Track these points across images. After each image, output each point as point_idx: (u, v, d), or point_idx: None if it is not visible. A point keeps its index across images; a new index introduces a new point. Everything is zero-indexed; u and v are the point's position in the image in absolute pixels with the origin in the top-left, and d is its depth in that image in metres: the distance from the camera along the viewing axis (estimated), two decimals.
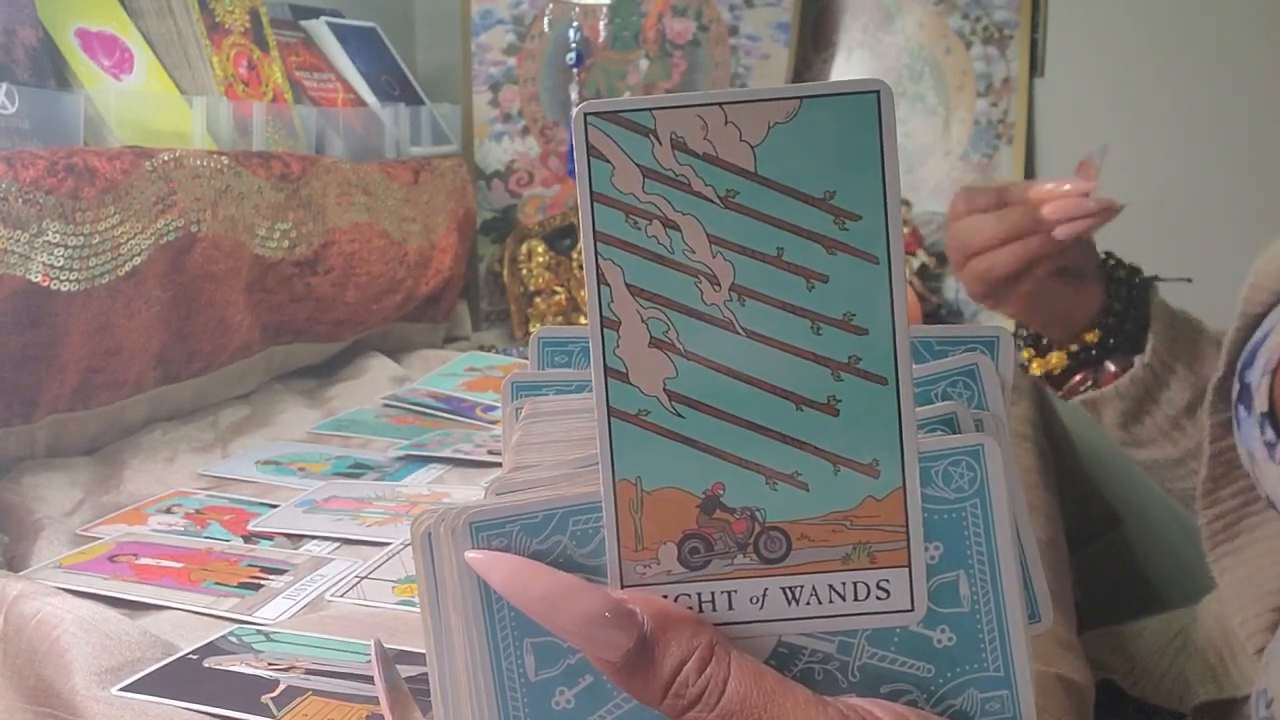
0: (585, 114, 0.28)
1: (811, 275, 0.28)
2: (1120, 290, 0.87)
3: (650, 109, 0.28)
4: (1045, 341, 0.90)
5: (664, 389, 0.29)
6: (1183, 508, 0.93)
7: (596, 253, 0.28)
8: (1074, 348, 0.87)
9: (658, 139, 0.28)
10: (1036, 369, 0.90)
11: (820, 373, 0.29)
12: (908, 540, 0.29)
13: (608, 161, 0.28)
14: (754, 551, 0.29)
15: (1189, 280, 0.88)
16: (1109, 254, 0.90)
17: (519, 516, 0.29)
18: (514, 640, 0.29)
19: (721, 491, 0.29)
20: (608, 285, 0.28)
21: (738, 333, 0.28)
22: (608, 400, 0.29)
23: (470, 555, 0.29)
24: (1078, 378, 0.88)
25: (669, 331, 0.28)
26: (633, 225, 0.28)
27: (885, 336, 0.28)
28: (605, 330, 0.28)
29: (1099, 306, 0.86)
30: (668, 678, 0.28)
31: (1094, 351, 0.87)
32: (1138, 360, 0.84)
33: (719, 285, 0.28)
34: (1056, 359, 0.88)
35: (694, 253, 0.28)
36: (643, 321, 0.28)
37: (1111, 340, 0.86)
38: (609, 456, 0.29)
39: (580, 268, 1.51)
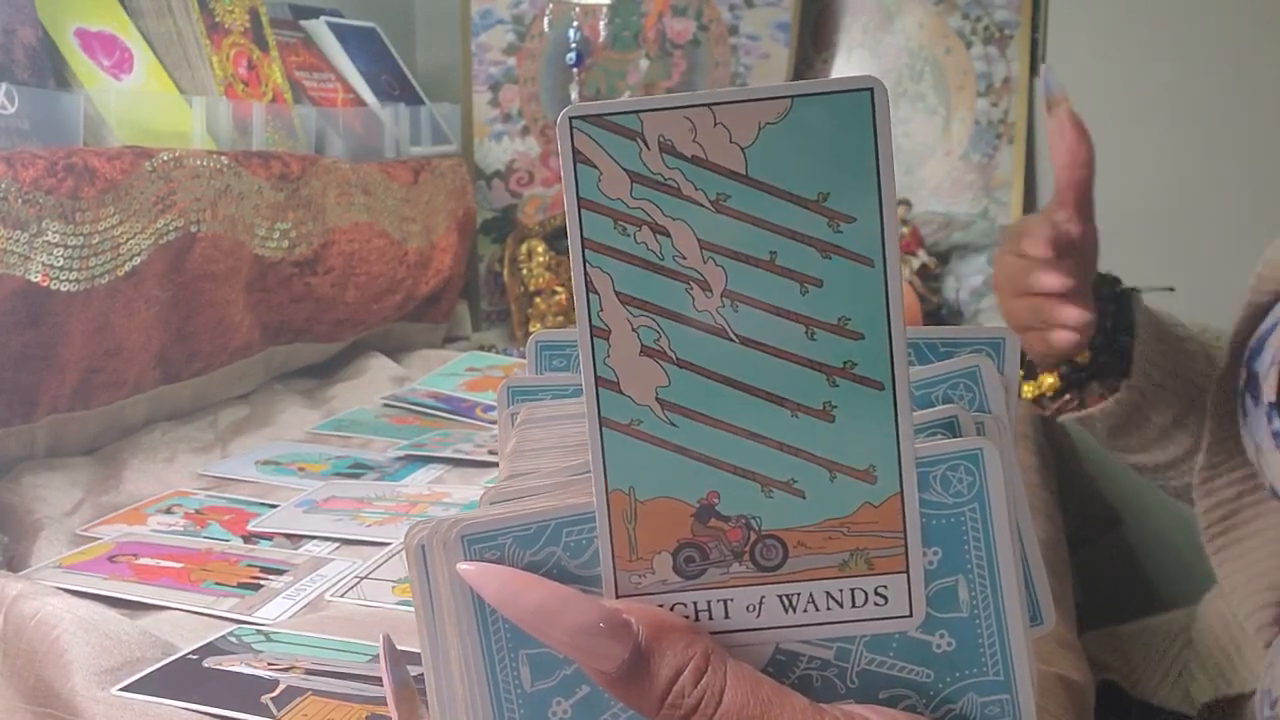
0: (570, 118, 0.27)
1: (805, 279, 0.28)
2: (1106, 306, 0.85)
3: (636, 111, 0.27)
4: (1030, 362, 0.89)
5: (656, 398, 0.28)
6: (1180, 504, 0.93)
7: (585, 260, 0.28)
8: (1063, 369, 0.86)
9: (645, 143, 0.27)
10: (1028, 392, 0.89)
11: (815, 378, 0.28)
12: (905, 546, 0.29)
13: (594, 167, 0.27)
14: (750, 559, 0.29)
15: (1171, 289, 0.88)
16: None
17: (512, 528, 0.29)
18: (509, 651, 0.29)
19: (716, 500, 0.29)
20: (596, 293, 0.28)
21: (730, 339, 0.28)
22: (599, 410, 0.28)
23: (463, 568, 0.29)
24: (1061, 401, 0.88)
25: (660, 339, 0.28)
26: (621, 232, 0.28)
27: (881, 341, 0.28)
28: (595, 339, 0.28)
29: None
30: (664, 688, 0.27)
31: (1083, 372, 0.86)
32: (1124, 385, 0.83)
33: (710, 291, 0.28)
34: (1050, 382, 0.87)
35: (684, 258, 0.28)
36: (633, 330, 0.28)
37: (1101, 359, 0.85)
38: (601, 467, 0.28)
39: None
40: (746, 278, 0.28)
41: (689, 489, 0.29)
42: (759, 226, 0.28)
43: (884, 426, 0.28)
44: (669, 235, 0.28)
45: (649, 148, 0.27)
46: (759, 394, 0.28)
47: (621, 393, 0.28)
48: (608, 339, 0.28)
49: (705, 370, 0.28)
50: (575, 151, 0.27)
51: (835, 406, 0.28)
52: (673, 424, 0.28)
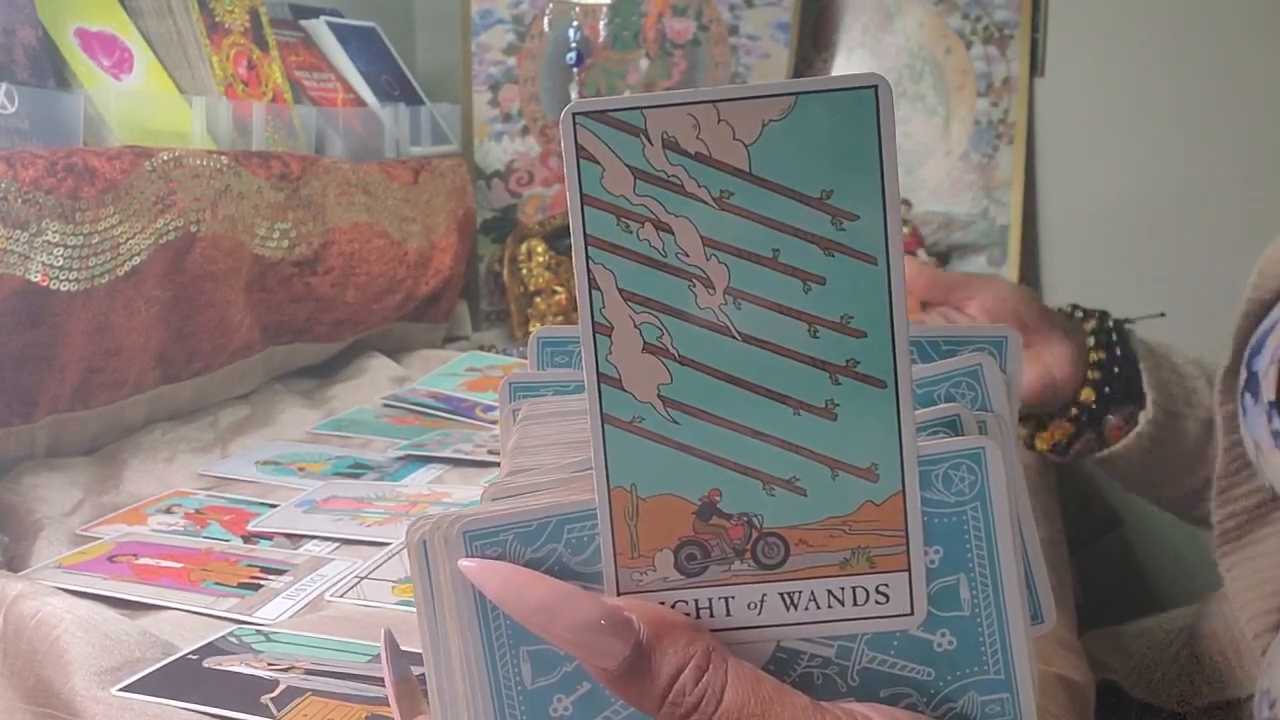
0: (573, 114, 0.27)
1: (808, 277, 0.28)
2: (1102, 339, 0.84)
3: (640, 108, 0.27)
4: (1032, 418, 0.88)
5: (658, 395, 0.28)
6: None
7: (588, 257, 0.28)
8: (1074, 411, 0.85)
9: (649, 139, 0.27)
10: (1041, 445, 0.87)
11: (818, 376, 0.28)
12: (907, 544, 0.29)
13: (597, 163, 0.27)
14: (751, 557, 0.29)
15: (1162, 315, 0.87)
16: (1075, 306, 0.89)
17: (513, 525, 0.29)
18: (510, 648, 0.29)
19: (718, 498, 0.29)
20: (599, 290, 0.28)
21: (733, 337, 0.28)
22: (601, 407, 0.28)
23: (464, 564, 0.28)
24: (1080, 443, 0.86)
25: (663, 336, 0.28)
26: (624, 229, 0.28)
27: (884, 339, 0.28)
28: (598, 336, 0.28)
29: (1074, 359, 0.84)
30: (665, 685, 0.27)
31: (1094, 408, 0.84)
32: (1142, 417, 0.82)
33: (713, 289, 0.28)
34: (1060, 430, 0.85)
35: (687, 256, 0.28)
36: (636, 327, 0.28)
37: (1108, 391, 0.84)
38: (603, 464, 0.28)
39: None
40: (749, 275, 0.28)
41: (691, 486, 0.29)
42: (762, 224, 0.28)
43: (886, 425, 0.28)
44: (672, 232, 0.28)
45: (652, 144, 0.27)
46: (761, 392, 0.28)
47: (624, 390, 0.28)
48: (610, 336, 0.28)
49: (707, 368, 0.28)
50: (578, 147, 0.27)
51: (837, 405, 0.28)
52: (675, 421, 0.28)
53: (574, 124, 0.27)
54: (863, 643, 0.29)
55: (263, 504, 0.81)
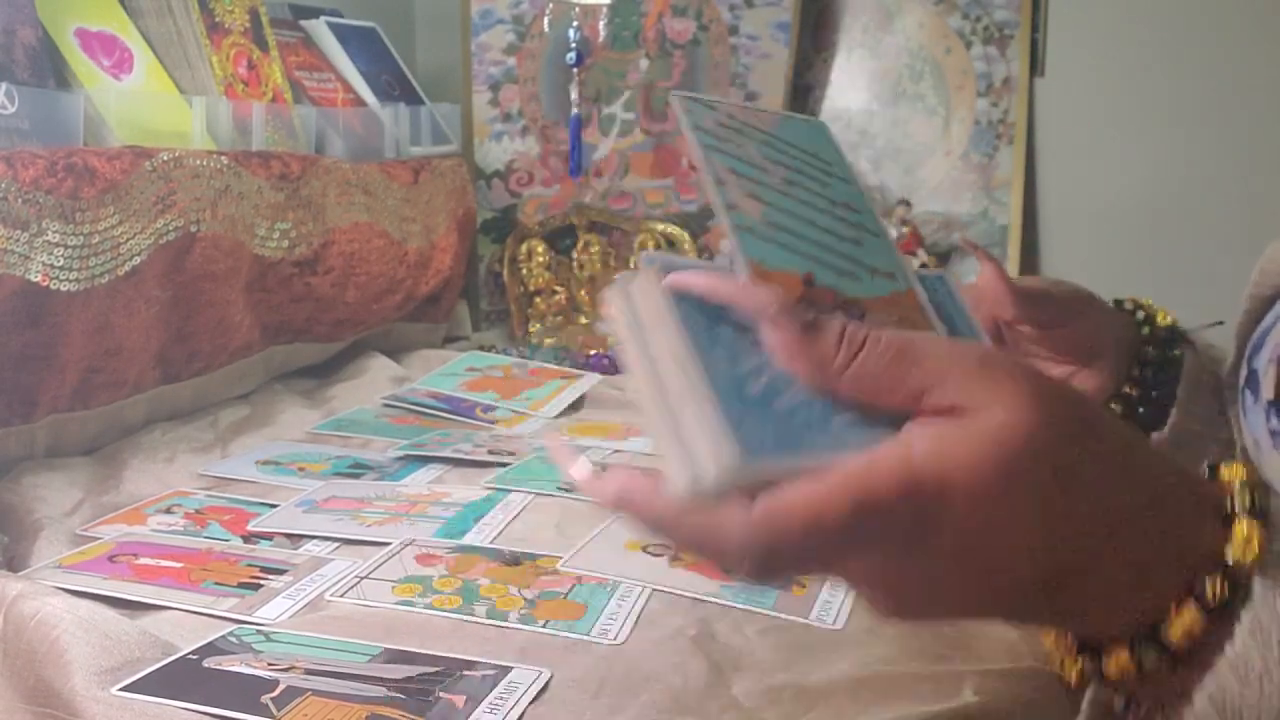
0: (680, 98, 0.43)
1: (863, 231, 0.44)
2: (1156, 341, 0.83)
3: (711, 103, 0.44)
4: None
5: (762, 218, 0.42)
6: None
7: (704, 147, 0.42)
8: (1114, 406, 0.85)
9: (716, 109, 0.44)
10: None
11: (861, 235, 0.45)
12: (926, 316, 0.44)
13: (700, 111, 0.43)
14: (840, 314, 0.40)
15: (1220, 324, 0.85)
16: (1135, 303, 0.86)
17: (700, 265, 0.40)
18: (708, 349, 0.37)
19: (814, 277, 0.41)
20: (715, 162, 0.42)
21: (798, 201, 0.43)
22: (732, 220, 0.41)
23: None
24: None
25: (759, 193, 0.42)
26: (724, 139, 0.43)
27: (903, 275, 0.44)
28: (720, 186, 0.41)
29: (1113, 344, 0.83)
30: (838, 330, 0.36)
31: (1137, 400, 0.82)
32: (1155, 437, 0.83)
33: (779, 180, 0.44)
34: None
35: (756, 163, 0.44)
36: (742, 187, 0.42)
37: (1153, 394, 0.83)
38: (740, 249, 0.40)
39: (579, 267, 1.51)
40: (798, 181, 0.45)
41: (796, 267, 0.41)
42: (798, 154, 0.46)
43: (899, 264, 0.45)
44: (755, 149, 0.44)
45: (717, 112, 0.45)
46: (826, 228, 0.44)
47: (742, 212, 0.41)
48: (727, 188, 0.42)
49: (789, 211, 0.43)
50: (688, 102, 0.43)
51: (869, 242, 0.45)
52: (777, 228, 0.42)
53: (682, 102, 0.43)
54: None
55: (263, 504, 0.81)
